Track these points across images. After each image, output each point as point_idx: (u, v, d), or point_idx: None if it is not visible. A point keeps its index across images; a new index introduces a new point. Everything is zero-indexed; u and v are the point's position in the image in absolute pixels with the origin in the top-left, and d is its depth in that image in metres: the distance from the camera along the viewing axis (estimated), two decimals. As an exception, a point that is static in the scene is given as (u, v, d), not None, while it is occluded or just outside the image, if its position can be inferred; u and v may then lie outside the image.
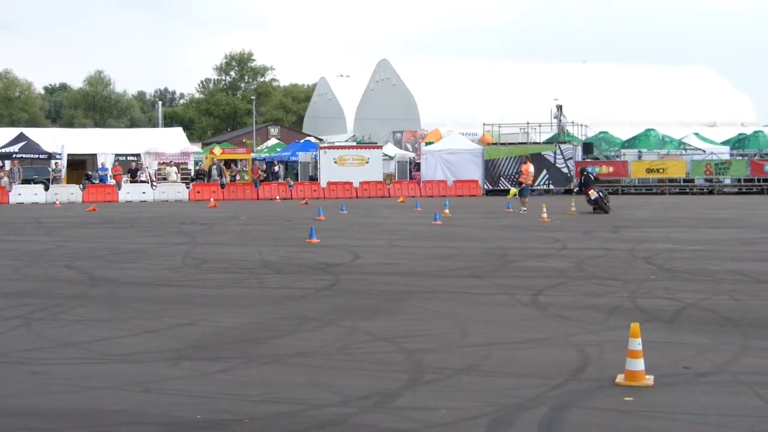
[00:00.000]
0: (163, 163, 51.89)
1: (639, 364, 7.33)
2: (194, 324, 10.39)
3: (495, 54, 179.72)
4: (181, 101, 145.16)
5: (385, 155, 51.44)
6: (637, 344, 7.37)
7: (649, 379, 7.34)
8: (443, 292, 12.86)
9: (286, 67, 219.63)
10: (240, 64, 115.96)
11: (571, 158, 47.57)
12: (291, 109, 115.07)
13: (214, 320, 10.61)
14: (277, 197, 44.55)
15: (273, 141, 72.29)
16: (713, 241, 20.34)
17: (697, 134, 55.38)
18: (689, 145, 51.39)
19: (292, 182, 48.51)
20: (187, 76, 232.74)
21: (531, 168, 33.57)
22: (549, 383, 7.40)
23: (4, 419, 6.68)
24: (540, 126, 51.77)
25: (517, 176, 48.05)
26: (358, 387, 7.41)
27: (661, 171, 48.13)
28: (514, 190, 29.96)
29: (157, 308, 11.51)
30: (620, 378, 7.39)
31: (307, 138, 71.27)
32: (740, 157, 50.02)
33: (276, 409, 6.81)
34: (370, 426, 6.39)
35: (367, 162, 47.68)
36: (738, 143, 53.40)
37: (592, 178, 33.58)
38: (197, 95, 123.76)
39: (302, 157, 53.60)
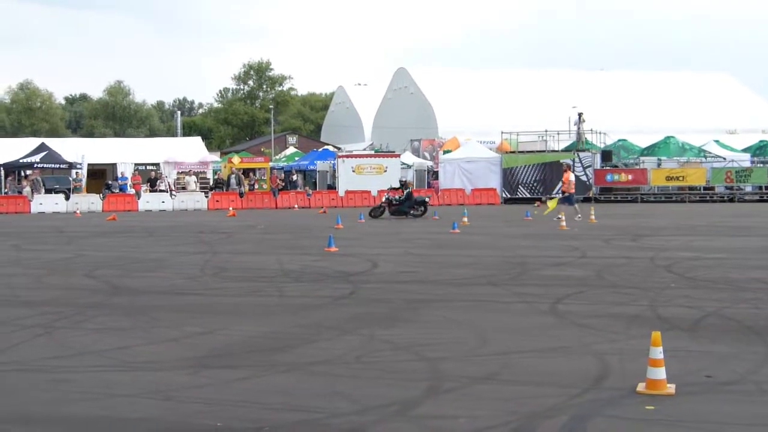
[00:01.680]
0: (182, 172, 52.16)
1: (661, 373, 7.28)
2: (214, 332, 10.41)
3: (513, 62, 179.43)
4: (200, 111, 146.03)
5: (403, 164, 51.49)
6: (658, 353, 7.31)
7: (671, 388, 7.28)
8: (462, 300, 12.83)
9: (304, 76, 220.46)
10: (258, 73, 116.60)
11: (589, 166, 47.43)
12: (309, 117, 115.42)
13: (234, 329, 10.62)
14: (296, 206, 44.66)
15: (291, 150, 72.53)
16: (734, 249, 20.19)
17: (717, 141, 55.07)
18: (709, 153, 51.11)
19: (310, 191, 48.62)
20: (206, 86, 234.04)
21: (572, 176, 33.44)
22: (569, 392, 7.36)
23: (26, 427, 6.71)
24: (558, 134, 51.68)
25: (535, 185, 48.13)
26: (378, 395, 7.39)
27: (680, 179, 47.89)
28: (552, 202, 29.41)
29: (177, 317, 11.55)
30: (641, 387, 7.34)
31: (325, 147, 71.50)
32: (761, 165, 49.72)
33: (295, 417, 6.81)
34: (389, 435, 6.37)
35: (385, 170, 47.73)
36: (759, 150, 53.09)
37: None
38: (216, 105, 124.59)
39: (320, 165, 53.73)
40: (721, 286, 13.89)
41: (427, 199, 35.53)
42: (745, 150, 54.02)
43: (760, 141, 55.62)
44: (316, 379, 8.07)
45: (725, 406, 6.98)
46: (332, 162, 51.97)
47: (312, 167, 55.21)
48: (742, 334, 9.94)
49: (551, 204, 28.46)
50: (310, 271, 16.66)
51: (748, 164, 49.85)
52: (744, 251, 19.63)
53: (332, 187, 49.63)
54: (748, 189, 49.00)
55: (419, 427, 6.56)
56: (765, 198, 47.48)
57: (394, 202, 33.93)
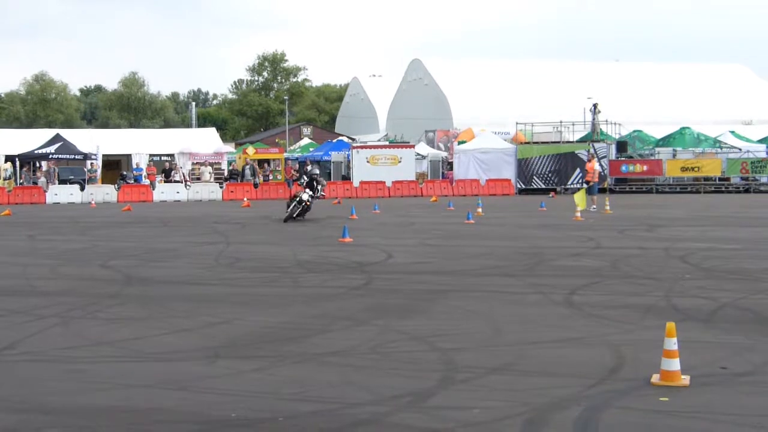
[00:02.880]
0: (197, 163, 52.27)
1: (675, 364, 7.26)
2: (228, 323, 10.45)
3: (527, 53, 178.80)
4: (215, 102, 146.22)
5: (418, 154, 51.42)
6: (672, 344, 7.29)
7: (686, 379, 7.26)
8: (476, 291, 12.82)
9: (319, 67, 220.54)
10: (273, 64, 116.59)
11: (604, 157, 47.22)
12: (323, 109, 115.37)
13: (249, 319, 10.66)
14: (310, 197, 44.65)
15: (306, 141, 72.53)
16: (750, 239, 20.09)
17: (733, 132, 54.74)
18: (725, 144, 50.79)
19: (324, 182, 48.60)
20: (221, 77, 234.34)
21: (597, 165, 33.27)
22: (584, 383, 7.35)
23: (42, 416, 6.76)
24: (573, 125, 51.48)
25: (550, 176, 47.99)
26: (392, 386, 7.40)
27: (696, 169, 47.61)
28: (579, 195, 29.09)
29: (192, 307, 11.59)
30: (656, 378, 7.32)
31: (340, 137, 71.46)
32: (777, 156, 49.36)
33: (310, 407, 6.83)
34: (403, 425, 6.38)
35: (400, 161, 47.67)
36: (775, 141, 52.76)
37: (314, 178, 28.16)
38: (230, 96, 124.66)
39: (335, 156, 53.74)
40: (736, 276, 13.83)
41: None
42: (760, 141, 53.69)
43: (776, 132, 55.28)
44: (330, 370, 8.09)
45: (740, 398, 6.95)
46: (347, 153, 51.97)
47: (326, 158, 55.23)
48: (758, 325, 9.90)
49: (579, 199, 28.23)
50: (324, 261, 16.69)
51: (763, 155, 49.51)
52: (759, 242, 19.52)
53: (347, 178, 49.63)
54: (764, 180, 48.66)
55: (433, 417, 6.57)
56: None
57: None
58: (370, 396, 7.12)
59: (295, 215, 27.37)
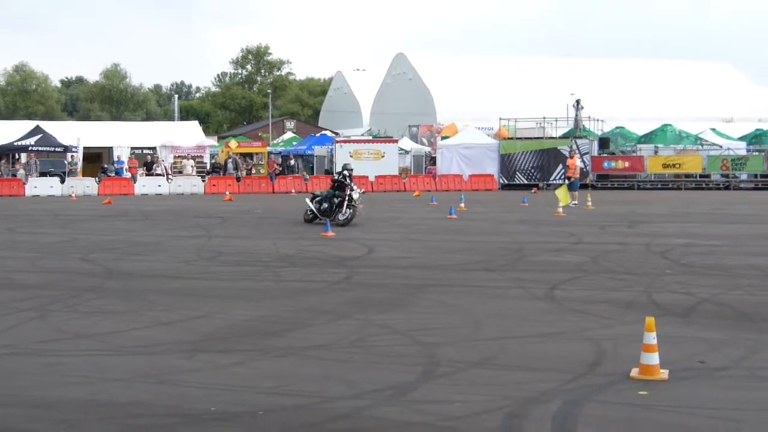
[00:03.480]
0: (179, 156, 52.05)
1: (654, 359, 7.30)
2: (209, 316, 10.42)
3: (511, 49, 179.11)
4: (197, 95, 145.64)
5: (401, 149, 51.43)
6: (652, 338, 7.33)
7: (664, 374, 7.31)
8: (458, 285, 12.84)
9: (303, 60, 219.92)
10: (256, 57, 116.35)
11: (587, 153, 47.38)
12: (307, 102, 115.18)
13: (229, 313, 10.63)
14: (293, 190, 44.62)
15: (289, 135, 72.44)
16: (729, 236, 20.21)
17: (713, 130, 55.05)
18: (706, 141, 51.09)
19: (307, 176, 48.58)
20: (204, 70, 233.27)
21: (578, 161, 33.41)
22: (564, 377, 7.38)
23: (21, 410, 6.72)
24: (556, 121, 51.64)
25: (533, 171, 48.12)
26: (373, 380, 7.41)
27: (677, 166, 47.86)
28: (561, 191, 29.19)
29: (172, 301, 11.55)
30: (635, 372, 7.36)
31: (323, 132, 71.37)
32: (757, 153, 49.70)
33: (290, 401, 6.82)
34: (384, 419, 6.39)
35: (383, 156, 47.67)
36: (755, 139, 53.11)
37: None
38: (213, 89, 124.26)
39: (318, 150, 53.68)
40: (715, 272, 13.92)
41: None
42: (741, 138, 54.01)
43: (756, 129, 55.60)
44: (310, 364, 8.09)
45: (718, 392, 7.00)
46: (330, 147, 51.91)
47: (310, 152, 55.16)
48: (736, 321, 9.97)
49: (560, 195, 28.33)
50: (306, 255, 16.67)
51: (744, 152, 49.85)
52: (739, 238, 19.65)
53: (330, 172, 49.56)
54: (744, 177, 48.99)
55: (413, 411, 6.57)
56: (760, 186, 47.47)
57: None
58: (350, 390, 7.12)
59: (345, 219, 23.03)
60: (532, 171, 48.11)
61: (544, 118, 50.89)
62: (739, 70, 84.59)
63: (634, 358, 7.54)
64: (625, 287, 12.40)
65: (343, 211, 23.28)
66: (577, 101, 50.13)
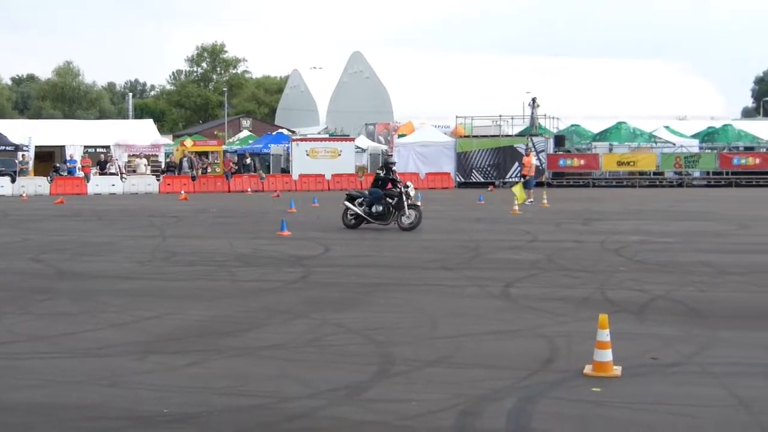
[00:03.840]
0: (133, 155, 51.50)
1: (607, 355, 7.37)
2: (162, 317, 10.32)
3: (468, 48, 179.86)
4: (152, 93, 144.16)
5: (358, 147, 51.42)
6: (605, 335, 7.40)
7: (617, 370, 7.37)
8: (414, 284, 12.85)
9: (259, 59, 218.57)
10: (212, 55, 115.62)
11: (543, 151, 47.75)
12: (263, 101, 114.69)
13: (183, 313, 10.53)
14: (249, 189, 44.39)
15: (245, 133, 72.06)
16: (682, 233, 20.49)
17: (667, 127, 55.84)
18: (660, 138, 51.81)
19: (263, 174, 48.35)
20: (158, 68, 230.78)
21: (533, 159, 33.72)
22: (518, 374, 7.42)
23: (-32, 414, 6.59)
24: (512, 119, 52.00)
25: (489, 169, 48.38)
26: (328, 379, 7.38)
27: (631, 164, 48.45)
28: (518, 187, 29.40)
29: (125, 302, 11.41)
30: (588, 369, 7.42)
31: (280, 130, 71.13)
32: (709, 150, 50.47)
33: (244, 402, 6.77)
34: (339, 418, 6.37)
35: (340, 154, 47.62)
36: (707, 136, 53.95)
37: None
38: (168, 87, 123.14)
39: (274, 149, 53.48)
40: (668, 269, 14.09)
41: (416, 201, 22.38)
42: (694, 136, 54.84)
43: (708, 127, 56.50)
44: (266, 364, 8.05)
45: (670, 388, 7.08)
46: (286, 145, 51.76)
47: (266, 151, 54.92)
48: (688, 317, 10.10)
49: (517, 192, 28.59)
50: (262, 255, 16.58)
51: (696, 150, 50.62)
52: (691, 235, 19.93)
53: (286, 171, 49.42)
54: (696, 174, 49.73)
55: (368, 410, 6.56)
56: (712, 183, 48.23)
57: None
58: (306, 390, 7.09)
59: (411, 223, 20.84)
60: (489, 169, 48.38)
61: (500, 116, 51.21)
62: (690, 68, 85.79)
63: (587, 355, 7.60)
64: (580, 284, 12.51)
65: (407, 213, 20.88)
66: (533, 99, 50.51)
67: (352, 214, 21.56)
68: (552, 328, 9.38)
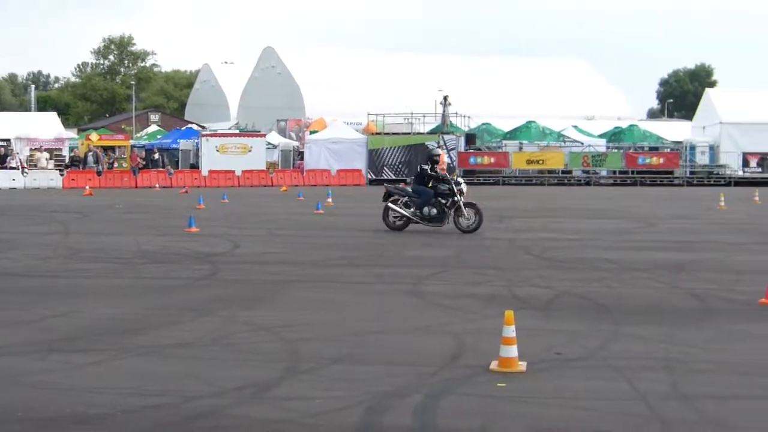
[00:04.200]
0: (35, 148, 50.04)
1: (512, 351, 7.47)
2: (66, 315, 10.05)
3: (381, 45, 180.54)
4: (56, 85, 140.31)
5: (269, 144, 51.13)
6: (510, 331, 7.49)
7: (522, 366, 7.48)
8: (323, 281, 12.83)
9: (168, 52, 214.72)
10: (119, 48, 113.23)
11: (454, 149, 48.25)
12: (172, 95, 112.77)
13: (87, 311, 10.27)
14: (157, 185, 43.65)
15: (153, 128, 70.75)
16: (589, 230, 20.95)
17: (576, 127, 57.12)
18: (568, 138, 52.96)
19: (172, 170, 47.61)
20: (63, 60, 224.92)
21: (446, 157, 34.05)
22: (425, 371, 7.45)
23: None
24: (424, 117, 52.40)
25: (400, 167, 48.61)
26: (234, 378, 7.29)
27: (540, 162, 49.38)
28: None
29: (27, 300, 11.08)
30: (494, 365, 7.51)
31: (189, 125, 70.07)
32: (616, 150, 51.81)
33: (149, 401, 6.64)
34: (244, 417, 6.30)
35: (250, 150, 47.26)
36: (614, 136, 55.41)
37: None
38: (73, 79, 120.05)
39: (183, 144, 52.72)
40: (575, 266, 14.38)
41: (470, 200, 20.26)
42: (601, 136, 56.22)
43: (615, 127, 58.01)
44: (172, 362, 7.91)
45: (573, 382, 7.22)
46: (196, 141, 51.09)
47: (175, 146, 54.08)
48: (593, 312, 10.32)
49: None
50: (169, 252, 16.31)
51: (603, 149, 51.90)
52: (597, 233, 20.39)
53: (195, 167, 48.77)
54: (604, 173, 51.00)
55: (274, 408, 6.51)
56: (619, 182, 49.50)
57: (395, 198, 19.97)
58: (211, 388, 6.99)
59: (471, 224, 19.31)
60: (400, 166, 48.64)
61: (411, 113, 51.57)
62: (596, 70, 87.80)
63: (494, 351, 7.69)
64: (488, 281, 12.66)
65: (466, 214, 19.12)
66: (445, 98, 51.03)
67: (396, 216, 19.61)
68: (459, 325, 9.47)
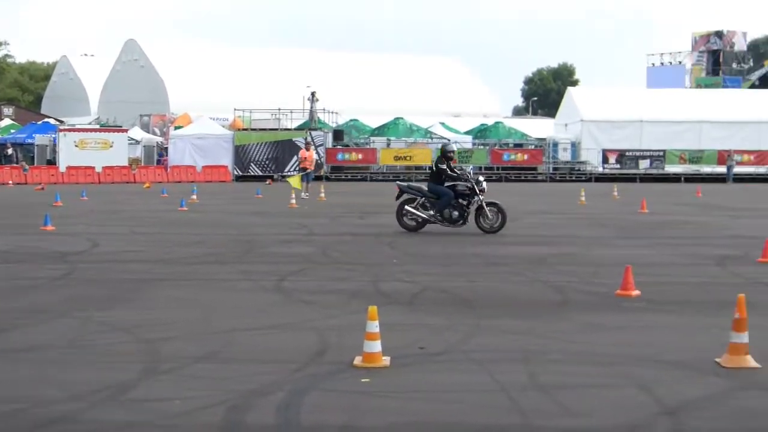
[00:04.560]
0: None
1: (376, 346, 7.47)
2: None
3: (248, 39, 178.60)
4: None
5: (131, 139, 49.89)
6: (374, 327, 7.49)
7: (386, 361, 7.49)
8: (186, 279, 12.56)
9: (23, 43, 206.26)
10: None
11: (321, 145, 48.23)
12: (28, 88, 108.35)
13: (-70, 315, 9.70)
14: (10, 182, 41.87)
15: (7, 122, 67.96)
16: (452, 225, 21.21)
17: (443, 124, 58.02)
18: (435, 134, 53.74)
19: (27, 166, 45.81)
20: None
21: (314, 154, 34.04)
22: (288, 368, 7.37)
23: None
24: (292, 112, 52.14)
25: (267, 163, 48.25)
26: (90, 381, 7.01)
27: (408, 158, 49.95)
28: (295, 178, 29.51)
29: None
30: (358, 360, 7.49)
31: (46, 119, 67.64)
32: (482, 146, 52.93)
33: (-4, 408, 6.30)
34: (100, 421, 6.05)
35: (111, 146, 46.01)
36: (480, 133, 56.55)
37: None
38: None
39: (39, 139, 50.88)
40: (440, 260, 14.54)
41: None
42: (467, 132, 57.29)
43: (481, 124, 59.20)
44: (22, 367, 7.54)
45: (435, 376, 7.27)
46: (53, 136, 49.32)
47: (30, 141, 52.09)
48: (456, 307, 10.44)
49: (294, 182, 28.75)
50: (22, 251, 15.61)
51: (470, 146, 52.94)
52: (460, 228, 20.66)
53: (52, 163, 47.05)
54: (469, 169, 51.89)
55: (132, 411, 6.29)
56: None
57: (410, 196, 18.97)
58: (65, 393, 6.70)
59: (494, 225, 18.59)
60: (267, 162, 48.29)
61: (279, 109, 51.25)
62: (464, 66, 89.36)
63: (358, 346, 7.67)
64: (353, 277, 12.65)
65: (488, 216, 18.38)
66: (313, 93, 50.94)
67: (413, 218, 18.60)
68: (324, 321, 9.42)
